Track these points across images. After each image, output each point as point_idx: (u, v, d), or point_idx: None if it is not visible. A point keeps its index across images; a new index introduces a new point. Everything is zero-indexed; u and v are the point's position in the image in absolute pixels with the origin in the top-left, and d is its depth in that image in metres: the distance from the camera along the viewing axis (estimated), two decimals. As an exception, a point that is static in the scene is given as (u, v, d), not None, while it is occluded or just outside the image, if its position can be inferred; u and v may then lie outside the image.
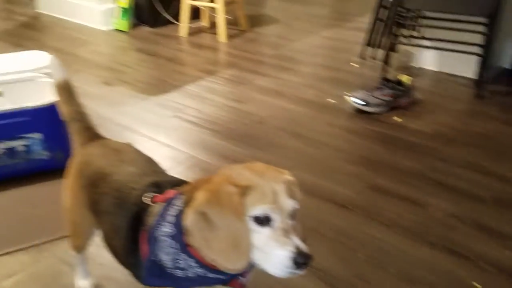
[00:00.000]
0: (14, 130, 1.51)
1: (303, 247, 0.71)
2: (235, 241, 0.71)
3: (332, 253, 1.31)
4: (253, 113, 2.11)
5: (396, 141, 1.89)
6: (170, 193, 0.81)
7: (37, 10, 3.61)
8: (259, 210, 0.71)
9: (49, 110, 1.52)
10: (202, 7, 3.29)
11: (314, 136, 1.92)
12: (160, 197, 0.81)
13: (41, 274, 1.23)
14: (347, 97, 2.15)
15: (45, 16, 3.51)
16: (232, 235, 0.71)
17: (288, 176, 0.79)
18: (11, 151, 1.53)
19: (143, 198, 0.82)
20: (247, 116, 2.08)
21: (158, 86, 2.38)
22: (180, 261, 0.75)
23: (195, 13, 3.23)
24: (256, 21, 3.47)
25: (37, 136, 1.55)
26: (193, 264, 0.74)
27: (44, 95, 1.66)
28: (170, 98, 2.25)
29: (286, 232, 0.71)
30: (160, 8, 3.20)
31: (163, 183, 0.84)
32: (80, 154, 1.00)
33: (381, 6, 2.62)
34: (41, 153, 1.58)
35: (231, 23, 3.35)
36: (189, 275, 0.75)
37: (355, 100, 2.09)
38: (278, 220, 0.72)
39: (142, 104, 2.18)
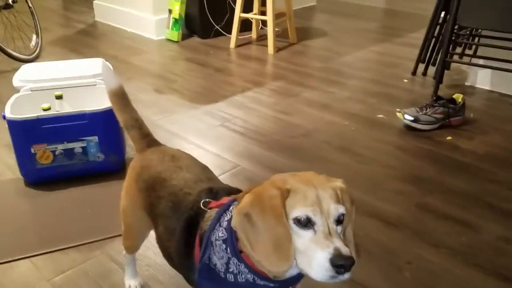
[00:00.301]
0: (74, 133, 1.58)
1: (343, 249, 0.69)
2: (277, 243, 0.71)
3: (378, 271, 1.29)
4: (299, 125, 2.11)
5: (446, 160, 1.84)
6: (225, 199, 0.82)
7: (95, 19, 3.79)
8: (299, 212, 0.71)
9: (106, 115, 1.59)
10: (252, 20, 3.34)
11: (362, 151, 1.90)
12: (215, 203, 0.83)
13: (91, 271, 1.27)
14: (397, 113, 2.11)
15: (102, 24, 3.67)
16: (274, 237, 0.71)
17: (338, 183, 0.79)
18: (69, 152, 1.60)
19: (199, 203, 0.84)
20: (293, 128, 2.08)
21: (206, 95, 2.43)
22: (231, 266, 0.76)
23: (245, 25, 3.29)
24: (304, 34, 3.49)
25: (93, 139, 1.62)
26: (244, 269, 0.75)
27: (101, 100, 1.73)
28: (218, 107, 2.29)
29: (327, 235, 0.70)
30: (211, 20, 3.28)
31: (218, 190, 0.87)
32: (139, 159, 1.04)
33: (435, 23, 2.57)
34: (96, 155, 1.65)
35: (280, 35, 3.38)
36: (240, 280, 0.76)
37: (405, 116, 2.06)
38: (320, 223, 0.71)
39: (190, 112, 2.23)
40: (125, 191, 1.05)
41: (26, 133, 1.52)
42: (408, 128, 2.06)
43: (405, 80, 2.62)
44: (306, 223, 0.71)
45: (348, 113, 2.23)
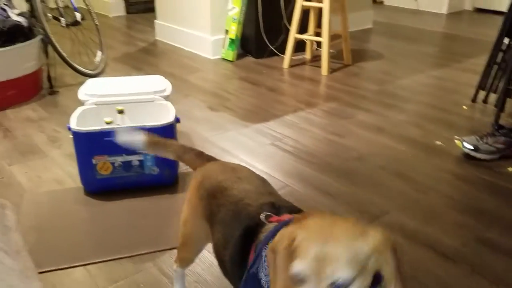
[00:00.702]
0: (133, 146, 1.64)
1: None
2: None
3: (433, 306, 1.22)
4: (352, 148, 2.07)
5: (507, 193, 1.74)
6: (286, 216, 0.82)
7: (156, 38, 3.95)
8: (294, 268, 0.66)
9: (163, 130, 1.64)
10: (307, 40, 3.36)
11: (418, 178, 1.83)
12: (276, 218, 0.82)
13: (142, 283, 1.29)
14: (456, 141, 2.03)
15: (162, 43, 3.82)
16: (281, 285, 0.67)
17: (371, 240, 0.67)
18: (127, 165, 1.66)
19: (260, 215, 0.84)
20: (346, 151, 2.05)
21: (258, 114, 2.44)
22: None
23: (299, 46, 3.30)
24: (359, 56, 3.45)
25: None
26: None
27: (159, 115, 1.79)
28: (269, 126, 2.30)
29: None
30: (266, 40, 3.32)
31: (280, 206, 0.87)
32: (201, 170, 1.06)
33: (498, 49, 2.47)
34: (152, 169, 1.69)
35: (334, 56, 3.37)
36: None
37: (464, 144, 1.97)
38: (310, 285, 0.64)
39: (242, 130, 2.25)
40: (187, 201, 1.08)
41: (89, 144, 1.59)
42: (467, 157, 1.97)
43: (465, 107, 2.52)
44: (299, 282, 0.65)
45: (404, 138, 2.17)
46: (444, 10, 5.04)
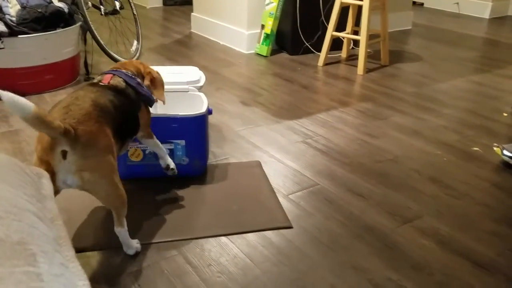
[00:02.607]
0: (164, 135, 1.64)
1: None
2: None
3: (466, 317, 1.17)
4: (386, 150, 2.02)
5: (552, 205, 1.65)
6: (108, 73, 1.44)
7: (191, 30, 3.97)
8: None
9: (195, 121, 1.64)
10: (344, 39, 3.30)
11: (454, 184, 1.77)
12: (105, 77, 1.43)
13: (166, 270, 1.29)
14: (494, 148, 1.95)
15: (197, 36, 3.83)
16: None
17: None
18: (158, 153, 1.66)
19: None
20: (379, 153, 2.00)
21: (290, 111, 2.41)
22: None
23: (335, 44, 3.25)
24: (397, 57, 3.37)
25: (181, 142, 1.66)
26: None
27: (192, 106, 1.79)
28: (301, 123, 2.27)
29: None
30: (302, 37, 3.29)
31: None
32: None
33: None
34: (182, 159, 1.69)
35: (371, 56, 3.30)
36: None
37: (504, 152, 1.89)
38: None
39: (273, 126, 2.23)
40: None
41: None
42: (506, 165, 1.89)
43: (505, 114, 2.42)
44: None
45: (440, 142, 2.10)
46: (486, 14, 4.87)
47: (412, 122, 2.30)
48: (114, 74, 1.38)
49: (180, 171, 1.70)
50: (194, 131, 1.67)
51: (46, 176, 0.70)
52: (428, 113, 2.42)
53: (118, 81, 1.37)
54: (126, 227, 1.30)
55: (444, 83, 2.87)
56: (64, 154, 1.12)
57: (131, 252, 1.34)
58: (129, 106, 1.36)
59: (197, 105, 1.77)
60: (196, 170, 1.74)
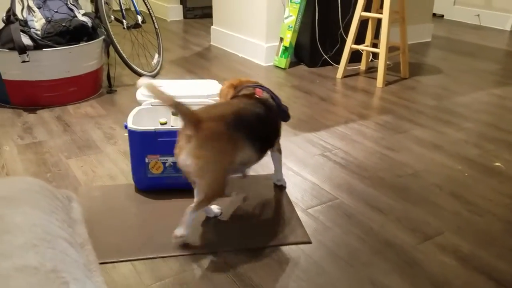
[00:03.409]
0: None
1: None
2: None
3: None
4: (406, 164, 2.00)
5: None
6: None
7: (211, 43, 4.02)
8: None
9: None
10: (362, 51, 3.30)
11: (475, 200, 1.74)
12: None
13: (186, 284, 1.30)
14: (518, 163, 1.91)
15: (217, 48, 3.88)
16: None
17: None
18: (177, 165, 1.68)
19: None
20: (399, 167, 1.98)
21: (309, 123, 2.42)
22: None
23: (353, 56, 3.25)
24: (417, 69, 3.35)
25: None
26: None
27: None
28: (320, 136, 2.27)
29: None
30: (320, 49, 3.29)
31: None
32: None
33: None
34: None
35: (390, 69, 3.29)
36: None
37: (528, 167, 1.85)
38: None
39: (291, 138, 2.23)
40: None
41: (143, 143, 1.63)
42: (531, 181, 1.85)
43: (530, 128, 2.38)
44: None
45: (461, 157, 2.07)
46: (508, 26, 4.81)
47: (433, 136, 2.28)
48: (262, 89, 1.54)
49: (199, 183, 1.73)
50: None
51: (75, 199, 0.72)
52: (448, 127, 2.39)
53: (267, 96, 1.53)
54: (197, 214, 1.42)
55: (465, 96, 2.84)
56: (188, 138, 1.32)
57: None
58: (272, 120, 1.54)
59: None
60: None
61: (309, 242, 1.48)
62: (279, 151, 1.73)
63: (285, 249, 1.45)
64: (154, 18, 3.22)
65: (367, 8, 3.06)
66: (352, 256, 1.42)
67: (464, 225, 1.59)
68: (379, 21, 3.22)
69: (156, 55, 3.21)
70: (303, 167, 1.96)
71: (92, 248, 0.62)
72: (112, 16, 2.96)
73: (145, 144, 1.63)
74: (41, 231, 0.55)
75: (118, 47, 2.73)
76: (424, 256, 1.43)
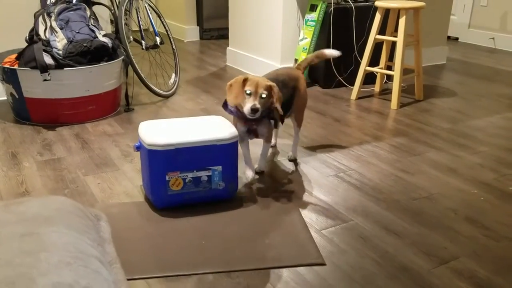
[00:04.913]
0: (203, 162, 1.72)
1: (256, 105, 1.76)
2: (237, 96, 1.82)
3: None
4: (421, 187, 1.99)
5: None
6: None
7: (226, 63, 4.08)
8: (245, 88, 1.78)
9: (230, 147, 1.72)
10: (377, 73, 3.32)
11: (492, 225, 1.72)
12: None
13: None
14: (535, 188, 1.89)
15: (232, 68, 3.94)
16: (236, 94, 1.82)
17: (269, 83, 1.81)
18: (197, 180, 1.72)
19: None
20: (415, 190, 1.98)
21: (323, 144, 2.43)
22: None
23: (368, 78, 3.27)
24: (431, 92, 3.36)
25: (218, 168, 1.72)
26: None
27: (218, 129, 1.79)
28: (334, 157, 2.28)
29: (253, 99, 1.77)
30: (334, 71, 3.33)
31: None
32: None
33: None
34: (218, 184, 1.75)
35: (404, 91, 3.30)
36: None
37: (545, 192, 1.84)
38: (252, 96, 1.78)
39: (305, 159, 2.25)
40: None
41: (164, 161, 1.66)
42: (549, 206, 1.83)
43: (547, 152, 2.36)
44: (247, 94, 1.77)
45: (477, 181, 2.06)
46: (524, 49, 4.81)
47: (448, 159, 2.27)
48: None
49: (216, 196, 1.77)
50: (229, 156, 1.74)
51: (104, 218, 0.74)
52: (463, 150, 2.38)
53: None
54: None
55: (480, 120, 2.83)
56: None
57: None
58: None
59: (223, 128, 1.80)
60: (231, 194, 1.82)
61: (324, 264, 1.48)
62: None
63: (299, 270, 1.45)
64: (172, 39, 3.29)
65: (381, 30, 3.10)
66: (368, 280, 1.42)
67: (481, 250, 1.58)
68: (393, 43, 3.25)
69: (173, 75, 3.27)
70: (317, 188, 1.97)
71: (120, 267, 0.64)
72: (131, 37, 3.04)
73: (166, 162, 1.65)
74: (75, 249, 0.57)
75: (137, 67, 2.79)
76: (439, 281, 1.42)
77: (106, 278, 0.55)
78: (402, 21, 2.88)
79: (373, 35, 3.02)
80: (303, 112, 2.21)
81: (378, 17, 3.00)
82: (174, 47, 3.31)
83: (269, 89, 1.79)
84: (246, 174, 1.95)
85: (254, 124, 1.90)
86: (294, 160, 2.23)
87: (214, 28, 5.15)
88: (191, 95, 3.16)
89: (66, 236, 0.58)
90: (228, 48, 4.05)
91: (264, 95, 1.77)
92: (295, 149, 2.26)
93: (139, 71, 2.81)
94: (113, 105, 2.78)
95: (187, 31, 5.10)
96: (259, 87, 1.76)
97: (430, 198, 1.91)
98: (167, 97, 3.07)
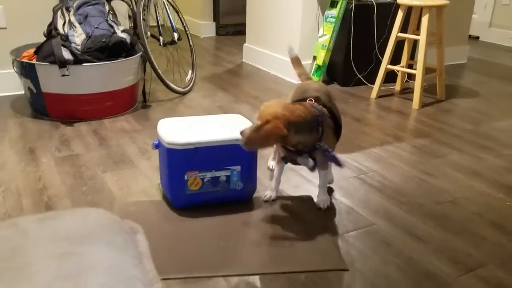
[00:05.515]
0: (222, 162, 1.68)
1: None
2: None
3: None
4: (445, 191, 1.94)
5: None
6: None
7: (243, 60, 4.04)
8: None
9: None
10: (398, 72, 3.26)
11: (520, 231, 1.67)
12: None
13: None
14: None
15: (249, 65, 3.90)
16: None
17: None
18: (215, 180, 1.69)
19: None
20: (438, 193, 1.92)
21: (343, 144, 2.38)
22: None
23: (388, 76, 3.21)
24: (453, 91, 3.28)
25: (237, 168, 1.69)
26: None
27: (235, 127, 1.76)
28: (354, 158, 2.23)
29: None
30: (354, 69, 3.27)
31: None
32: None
33: None
34: (237, 184, 1.72)
35: (425, 90, 3.23)
36: None
37: None
38: None
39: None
40: None
41: (183, 160, 1.64)
42: None
43: None
44: None
45: (502, 185, 2.00)
46: (547, 48, 4.69)
47: (471, 162, 2.21)
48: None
49: (234, 196, 1.74)
50: (249, 156, 1.71)
51: (141, 231, 0.72)
52: (487, 153, 2.32)
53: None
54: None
55: (503, 121, 2.76)
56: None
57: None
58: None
59: (243, 127, 1.75)
60: (249, 194, 1.79)
61: (346, 270, 1.44)
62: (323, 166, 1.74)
63: (321, 275, 1.42)
64: (189, 35, 3.27)
65: (403, 28, 3.03)
66: (392, 287, 1.38)
67: (508, 257, 1.53)
68: (415, 42, 3.18)
69: (190, 72, 3.25)
70: (338, 190, 1.93)
71: (161, 286, 0.61)
72: (148, 33, 3.02)
73: (185, 161, 1.63)
74: (117, 271, 0.54)
75: (155, 63, 2.77)
76: (466, 289, 1.37)
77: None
78: (425, 19, 2.81)
79: (395, 33, 2.96)
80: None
81: (400, 15, 2.93)
82: (191, 43, 3.28)
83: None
84: (266, 192, 1.82)
85: (295, 155, 1.66)
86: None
87: (230, 24, 5.11)
88: (208, 92, 3.13)
89: (108, 256, 0.55)
90: (245, 44, 4.01)
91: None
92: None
93: (157, 67, 2.78)
94: (131, 102, 2.77)
95: (203, 26, 5.07)
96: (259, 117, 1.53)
97: (454, 202, 1.85)
98: (183, 94, 3.05)
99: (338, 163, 1.61)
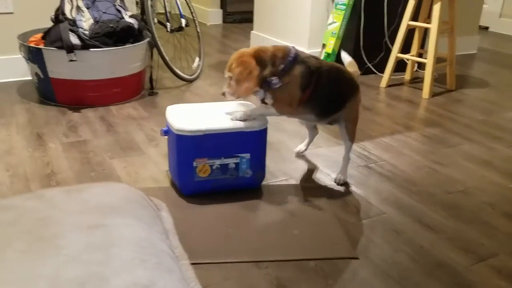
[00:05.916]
0: (231, 149, 1.66)
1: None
2: None
3: None
4: (456, 180, 1.92)
5: None
6: None
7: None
8: None
9: (259, 134, 1.67)
10: (408, 61, 3.22)
11: (532, 222, 1.65)
12: None
13: (230, 294, 1.27)
14: None
15: (256, 53, 3.86)
16: None
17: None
18: (224, 167, 1.68)
19: None
20: (449, 182, 1.90)
21: (352, 133, 2.36)
22: None
23: (398, 65, 3.17)
24: (463, 81, 3.24)
25: (246, 156, 1.68)
26: None
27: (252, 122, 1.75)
28: (364, 147, 2.21)
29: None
30: (364, 57, 3.23)
31: None
32: None
33: None
34: (246, 171, 1.71)
35: (435, 80, 3.19)
36: None
37: None
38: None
39: (334, 148, 2.18)
40: None
41: (192, 147, 1.62)
42: None
43: None
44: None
45: (515, 175, 1.98)
46: (559, 39, 4.61)
47: (482, 152, 2.19)
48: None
49: (243, 184, 1.72)
50: (258, 144, 1.69)
51: (165, 208, 0.70)
52: (498, 143, 2.29)
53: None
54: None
55: (516, 111, 2.72)
56: None
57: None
58: None
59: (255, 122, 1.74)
60: (258, 182, 1.77)
61: (356, 258, 1.43)
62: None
63: (331, 263, 1.40)
64: (197, 22, 3.23)
65: (414, 17, 2.98)
66: (403, 276, 1.36)
67: (520, 248, 1.51)
68: (425, 30, 3.13)
69: (197, 59, 3.22)
70: (348, 178, 1.91)
71: (189, 263, 0.60)
72: (155, 19, 2.99)
73: (194, 148, 1.61)
74: (148, 245, 0.52)
75: (162, 50, 2.74)
76: (478, 279, 1.36)
77: (179, 278, 0.51)
78: (436, 7, 2.77)
79: (406, 21, 2.92)
80: (356, 123, 1.84)
81: (411, 3, 2.89)
82: (198, 30, 3.25)
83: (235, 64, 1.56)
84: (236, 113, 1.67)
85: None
86: (343, 184, 1.86)
87: (238, 12, 5.06)
88: (215, 80, 3.10)
89: (137, 229, 0.53)
90: (252, 32, 3.97)
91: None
92: (345, 170, 1.87)
93: (164, 54, 2.76)
94: (138, 88, 2.75)
95: (210, 14, 5.02)
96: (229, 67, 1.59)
97: (465, 192, 1.83)
98: (190, 81, 3.02)
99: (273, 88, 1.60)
